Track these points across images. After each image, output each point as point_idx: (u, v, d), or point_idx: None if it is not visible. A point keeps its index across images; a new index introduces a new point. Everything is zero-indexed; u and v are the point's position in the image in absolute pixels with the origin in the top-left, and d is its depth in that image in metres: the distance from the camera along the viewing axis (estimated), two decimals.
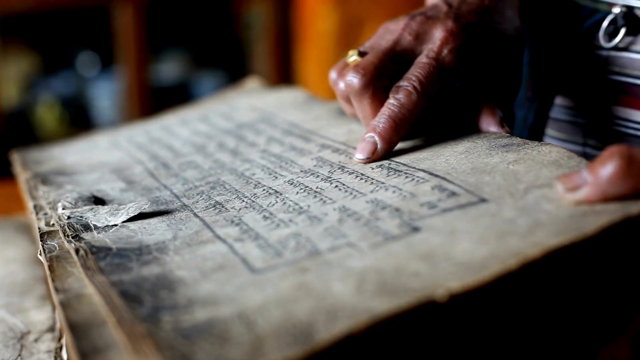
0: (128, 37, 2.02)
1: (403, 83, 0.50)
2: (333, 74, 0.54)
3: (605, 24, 0.56)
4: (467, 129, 0.52)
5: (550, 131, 0.62)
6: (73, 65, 2.26)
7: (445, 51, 0.51)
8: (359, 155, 0.49)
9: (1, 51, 2.08)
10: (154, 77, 2.17)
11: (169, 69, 2.30)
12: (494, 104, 0.52)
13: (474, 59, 0.52)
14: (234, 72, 2.27)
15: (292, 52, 2.22)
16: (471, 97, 0.53)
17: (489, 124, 0.51)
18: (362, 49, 0.54)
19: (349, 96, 0.52)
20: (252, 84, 0.84)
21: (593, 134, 0.58)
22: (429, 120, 0.53)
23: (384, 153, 0.49)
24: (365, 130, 0.51)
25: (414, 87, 0.50)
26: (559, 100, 0.61)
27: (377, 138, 0.49)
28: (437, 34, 0.51)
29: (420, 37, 0.52)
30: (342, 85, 0.53)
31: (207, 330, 0.32)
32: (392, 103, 0.50)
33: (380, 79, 0.51)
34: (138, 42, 2.02)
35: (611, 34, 0.56)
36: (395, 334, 0.31)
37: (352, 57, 0.53)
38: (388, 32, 0.53)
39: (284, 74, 2.23)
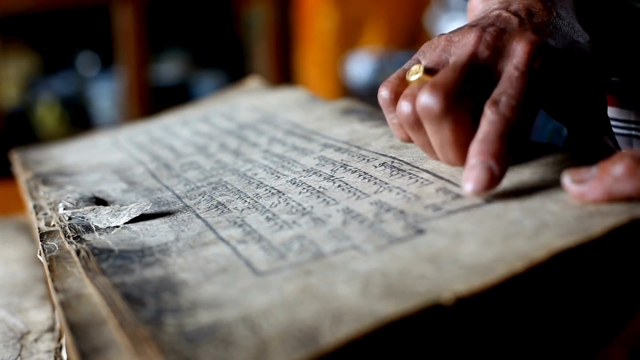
0: (128, 37, 2.02)
1: (502, 98, 0.42)
2: (385, 93, 0.47)
3: None
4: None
5: None
6: (73, 65, 2.26)
7: (533, 65, 0.44)
8: (471, 187, 0.40)
9: (1, 51, 2.07)
10: (154, 77, 2.17)
11: (169, 69, 2.30)
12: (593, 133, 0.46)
13: (559, 74, 0.45)
14: (234, 72, 2.27)
15: (292, 52, 2.22)
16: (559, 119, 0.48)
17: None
18: (426, 64, 0.46)
19: (421, 121, 0.43)
20: (253, 83, 0.83)
21: None
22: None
23: (500, 180, 0.40)
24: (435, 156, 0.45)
25: (517, 100, 0.42)
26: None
27: (491, 162, 0.40)
28: (520, 47, 0.44)
29: (499, 52, 0.45)
30: (407, 108, 0.44)
31: (211, 334, 0.31)
32: (496, 119, 0.41)
33: (462, 99, 0.42)
34: (138, 42, 2.02)
35: None
36: (401, 337, 0.31)
37: (417, 74, 0.45)
38: (454, 45, 0.46)
39: (284, 74, 2.23)
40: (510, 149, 0.41)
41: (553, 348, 0.35)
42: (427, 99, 0.42)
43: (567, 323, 0.35)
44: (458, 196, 0.41)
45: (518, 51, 0.44)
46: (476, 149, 0.41)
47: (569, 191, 0.38)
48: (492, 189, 0.40)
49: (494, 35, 0.45)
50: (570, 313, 0.35)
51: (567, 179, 0.38)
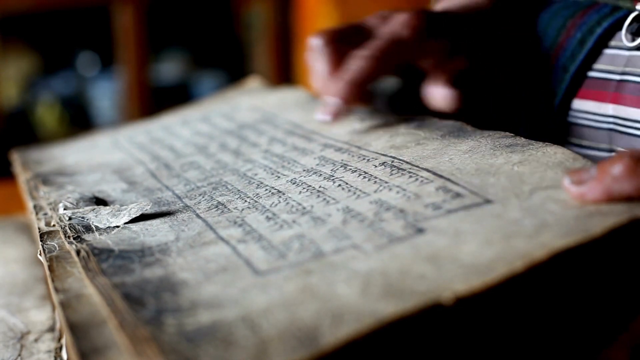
0: (128, 37, 2.01)
1: (362, 51, 0.53)
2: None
3: (628, 21, 0.54)
4: (468, 124, 0.52)
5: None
6: (73, 65, 2.25)
7: (405, 29, 0.54)
8: (318, 116, 0.54)
9: (1, 51, 2.07)
10: (154, 77, 2.17)
11: (169, 69, 2.30)
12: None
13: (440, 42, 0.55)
14: (234, 72, 2.26)
15: (292, 52, 2.22)
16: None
17: (435, 82, 0.57)
18: None
19: (312, 60, 0.56)
20: (253, 83, 0.83)
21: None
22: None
23: (342, 115, 0.54)
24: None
25: (373, 56, 0.53)
26: (576, 104, 0.58)
27: (336, 100, 0.53)
28: (397, 17, 0.55)
29: (385, 20, 0.56)
30: (310, 51, 0.56)
31: (211, 334, 0.31)
32: (350, 67, 0.53)
33: (340, 42, 0.55)
34: (138, 42, 2.02)
35: (635, 32, 0.54)
36: (401, 337, 0.31)
37: None
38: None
39: (284, 74, 2.23)
40: (357, 92, 0.53)
41: (554, 348, 0.35)
42: (315, 38, 0.56)
43: (568, 323, 0.35)
44: (458, 195, 0.41)
45: (394, 19, 0.55)
46: (328, 87, 0.54)
47: (569, 192, 0.38)
48: (335, 121, 0.55)
49: (390, 11, 0.56)
50: (571, 313, 0.35)
51: (566, 180, 0.38)
